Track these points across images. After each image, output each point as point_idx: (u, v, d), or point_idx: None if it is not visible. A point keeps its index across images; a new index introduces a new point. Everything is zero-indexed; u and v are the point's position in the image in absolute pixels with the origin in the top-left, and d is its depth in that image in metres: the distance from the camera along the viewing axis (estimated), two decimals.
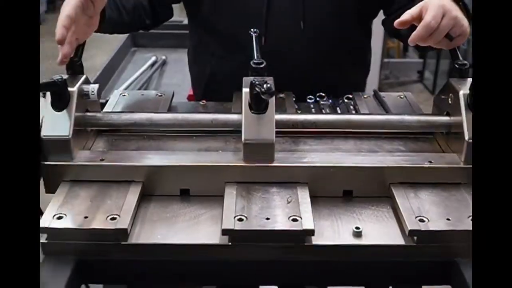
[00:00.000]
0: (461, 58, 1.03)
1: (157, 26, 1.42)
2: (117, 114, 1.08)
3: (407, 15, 1.00)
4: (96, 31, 1.08)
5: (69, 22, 0.94)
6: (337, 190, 0.96)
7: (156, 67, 2.00)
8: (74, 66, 1.01)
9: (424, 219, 0.86)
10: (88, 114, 1.02)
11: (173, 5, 1.43)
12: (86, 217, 0.86)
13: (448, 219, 0.86)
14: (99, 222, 0.85)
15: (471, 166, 0.93)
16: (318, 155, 0.99)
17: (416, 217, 0.86)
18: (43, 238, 0.85)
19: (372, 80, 3.26)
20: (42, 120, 0.94)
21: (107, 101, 1.27)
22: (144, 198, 0.94)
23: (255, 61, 0.97)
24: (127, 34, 2.21)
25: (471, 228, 0.84)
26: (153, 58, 2.03)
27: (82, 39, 1.03)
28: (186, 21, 1.47)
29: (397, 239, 0.86)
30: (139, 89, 1.84)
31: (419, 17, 1.00)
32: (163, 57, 2.06)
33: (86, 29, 1.02)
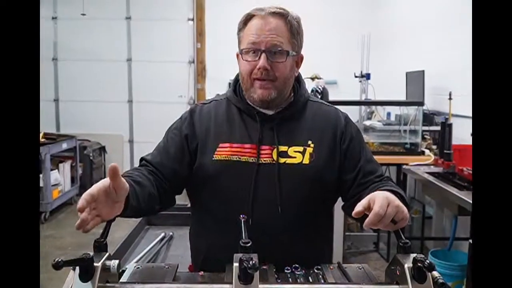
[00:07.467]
0: (403, 238, 1.03)
1: (163, 211, 1.41)
2: (131, 284, 1.05)
3: (359, 207, 1.04)
4: (119, 216, 1.09)
5: (90, 198, 0.97)
6: None
7: (164, 242, 1.99)
8: (100, 245, 1.01)
9: None
10: (108, 284, 1.00)
11: (180, 191, 1.44)
12: None
13: None
14: None
15: None
16: None
17: None
18: None
19: (338, 250, 3.19)
20: None
21: (123, 270, 1.24)
22: None
23: (243, 241, 0.97)
24: None
25: None
26: (162, 234, 2.03)
27: (106, 218, 1.03)
28: (189, 205, 1.50)
29: None
30: (151, 259, 1.81)
31: (368, 207, 1.04)
32: (171, 233, 2.06)
33: (110, 211, 1.04)
